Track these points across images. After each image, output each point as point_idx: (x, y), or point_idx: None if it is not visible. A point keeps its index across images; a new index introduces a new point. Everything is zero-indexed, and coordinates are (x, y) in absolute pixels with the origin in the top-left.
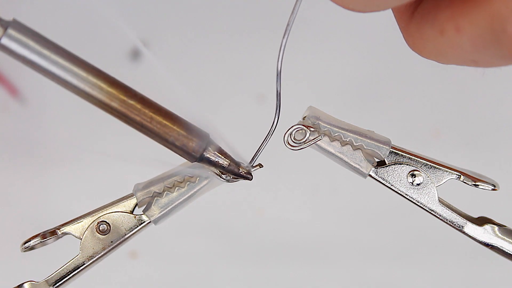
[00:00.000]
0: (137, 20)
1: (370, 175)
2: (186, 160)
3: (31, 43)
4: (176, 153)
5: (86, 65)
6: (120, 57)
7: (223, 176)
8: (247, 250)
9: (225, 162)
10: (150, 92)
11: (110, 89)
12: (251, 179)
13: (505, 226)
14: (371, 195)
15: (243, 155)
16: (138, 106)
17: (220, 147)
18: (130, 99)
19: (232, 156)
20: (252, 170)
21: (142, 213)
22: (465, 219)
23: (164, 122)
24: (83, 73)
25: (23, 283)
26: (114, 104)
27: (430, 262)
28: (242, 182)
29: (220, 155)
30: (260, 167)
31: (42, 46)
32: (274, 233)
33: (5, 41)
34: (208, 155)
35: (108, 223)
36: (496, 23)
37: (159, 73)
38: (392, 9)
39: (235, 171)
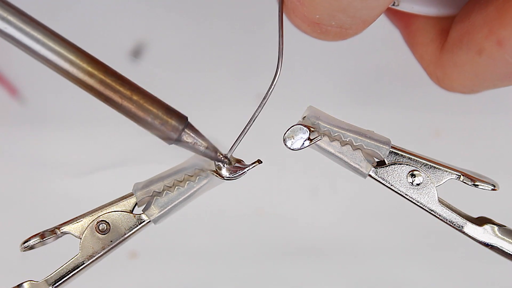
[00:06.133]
0: (137, 20)
1: (370, 175)
2: (184, 160)
3: (10, 17)
4: (154, 134)
5: (65, 41)
6: (120, 56)
7: (223, 175)
8: (247, 250)
9: (203, 145)
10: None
11: (88, 67)
12: (228, 163)
13: (505, 226)
14: (371, 195)
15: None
16: (117, 85)
17: (198, 130)
18: (108, 77)
19: (209, 140)
20: (251, 167)
21: (142, 212)
22: (465, 219)
23: (143, 102)
24: (61, 49)
25: (22, 283)
26: (92, 82)
27: (429, 262)
28: (242, 181)
29: (198, 138)
30: (259, 163)
31: (20, 20)
32: (274, 233)
33: None
34: (185, 137)
35: (107, 223)
36: None
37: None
38: (415, 48)
39: (211, 155)
